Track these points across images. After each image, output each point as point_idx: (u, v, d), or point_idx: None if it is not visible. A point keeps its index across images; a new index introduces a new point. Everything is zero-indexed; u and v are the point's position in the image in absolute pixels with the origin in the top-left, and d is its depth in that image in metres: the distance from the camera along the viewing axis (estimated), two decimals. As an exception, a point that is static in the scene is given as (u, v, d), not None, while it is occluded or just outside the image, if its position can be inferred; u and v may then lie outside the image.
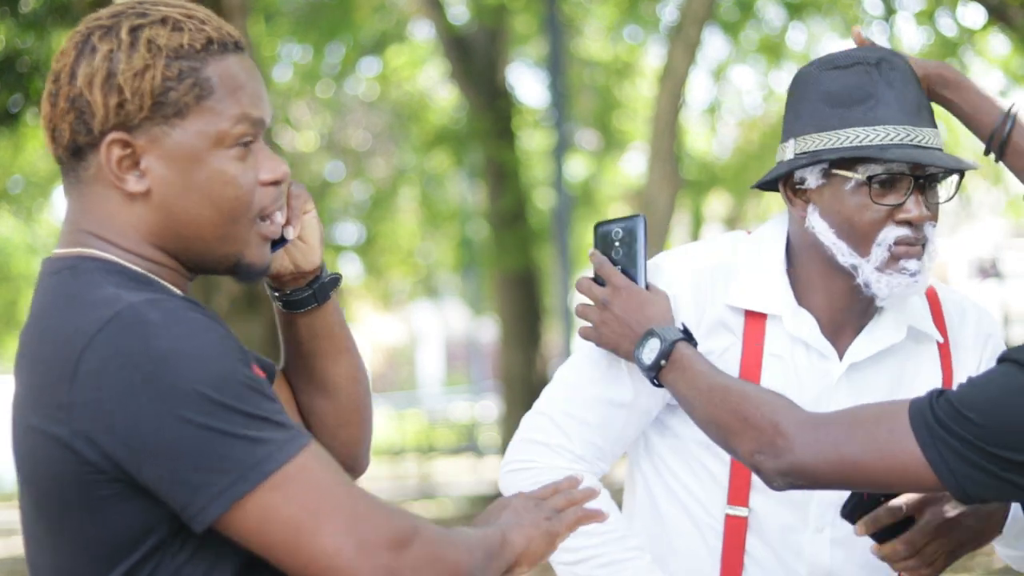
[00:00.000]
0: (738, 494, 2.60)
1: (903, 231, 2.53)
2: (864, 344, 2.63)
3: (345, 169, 20.28)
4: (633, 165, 20.32)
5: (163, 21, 1.93)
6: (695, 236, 17.82)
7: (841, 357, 2.63)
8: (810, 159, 2.54)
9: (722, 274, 2.62)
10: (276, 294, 2.15)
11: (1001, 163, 2.59)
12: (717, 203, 20.31)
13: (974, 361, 2.69)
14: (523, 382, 15.79)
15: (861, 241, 2.54)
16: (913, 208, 2.52)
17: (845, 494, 2.56)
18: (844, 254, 2.55)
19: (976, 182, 20.10)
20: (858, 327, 2.63)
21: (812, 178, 2.56)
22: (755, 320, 2.61)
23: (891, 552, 2.45)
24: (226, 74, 1.94)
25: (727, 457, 2.58)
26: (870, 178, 2.52)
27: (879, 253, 2.53)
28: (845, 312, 2.62)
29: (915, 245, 2.54)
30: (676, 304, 2.59)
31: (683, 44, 9.38)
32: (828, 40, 16.66)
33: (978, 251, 23.50)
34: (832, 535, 2.62)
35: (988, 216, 23.67)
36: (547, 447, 2.61)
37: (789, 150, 2.58)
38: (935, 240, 2.56)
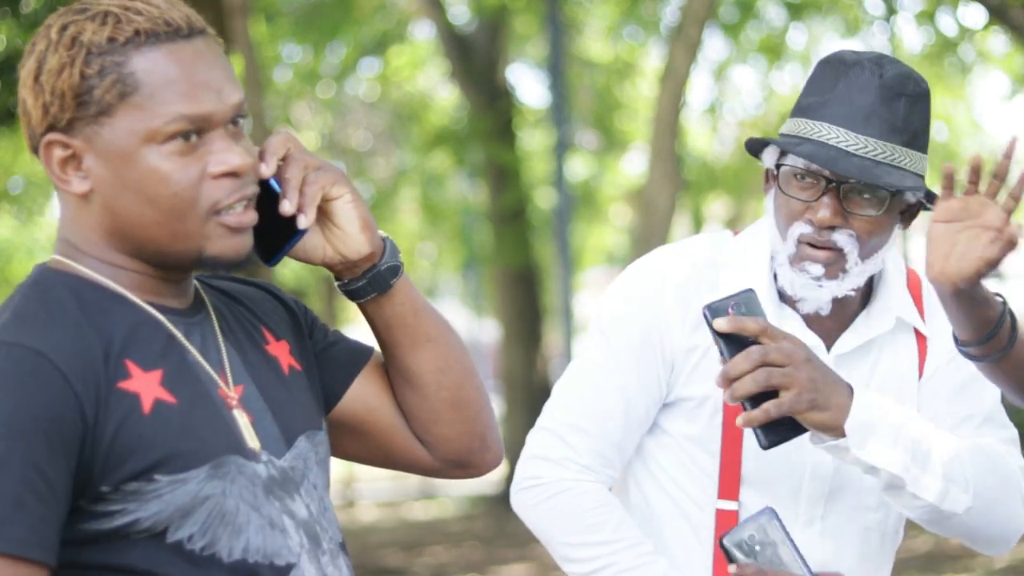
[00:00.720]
0: (728, 488, 2.61)
1: (807, 229, 2.54)
2: (852, 335, 2.64)
3: (346, 169, 20.28)
4: (634, 165, 20.32)
5: (94, 16, 1.85)
6: (696, 236, 17.80)
7: (829, 349, 2.63)
8: (763, 143, 2.62)
9: (711, 273, 2.64)
10: (337, 283, 2.08)
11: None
12: (717, 204, 20.30)
13: (945, 353, 2.68)
14: (524, 382, 15.78)
15: (782, 230, 2.58)
16: (821, 209, 2.53)
17: (836, 490, 2.55)
18: (776, 241, 2.60)
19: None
20: (848, 321, 2.64)
21: (769, 159, 2.61)
22: None
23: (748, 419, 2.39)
24: (155, 67, 1.84)
25: (717, 451, 2.60)
26: (788, 169, 2.56)
27: (789, 246, 2.57)
28: (834, 310, 2.62)
29: (819, 249, 2.54)
30: (665, 297, 2.61)
31: (684, 44, 9.37)
32: (829, 40, 16.66)
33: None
34: (822, 527, 2.62)
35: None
36: (552, 461, 2.62)
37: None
38: (855, 252, 2.54)
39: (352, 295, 2.06)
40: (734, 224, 17.92)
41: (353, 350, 2.13)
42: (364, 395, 2.11)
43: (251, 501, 1.89)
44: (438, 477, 2.18)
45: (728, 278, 2.62)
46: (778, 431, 2.39)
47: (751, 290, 2.42)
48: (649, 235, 9.35)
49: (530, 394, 15.38)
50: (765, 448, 2.39)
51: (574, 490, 2.60)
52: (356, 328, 17.72)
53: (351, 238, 2.01)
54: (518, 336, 16.03)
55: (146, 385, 1.85)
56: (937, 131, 18.79)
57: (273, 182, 1.96)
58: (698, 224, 18.82)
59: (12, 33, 10.87)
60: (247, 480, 1.89)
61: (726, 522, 2.58)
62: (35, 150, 1.89)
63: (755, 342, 2.37)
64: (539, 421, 2.67)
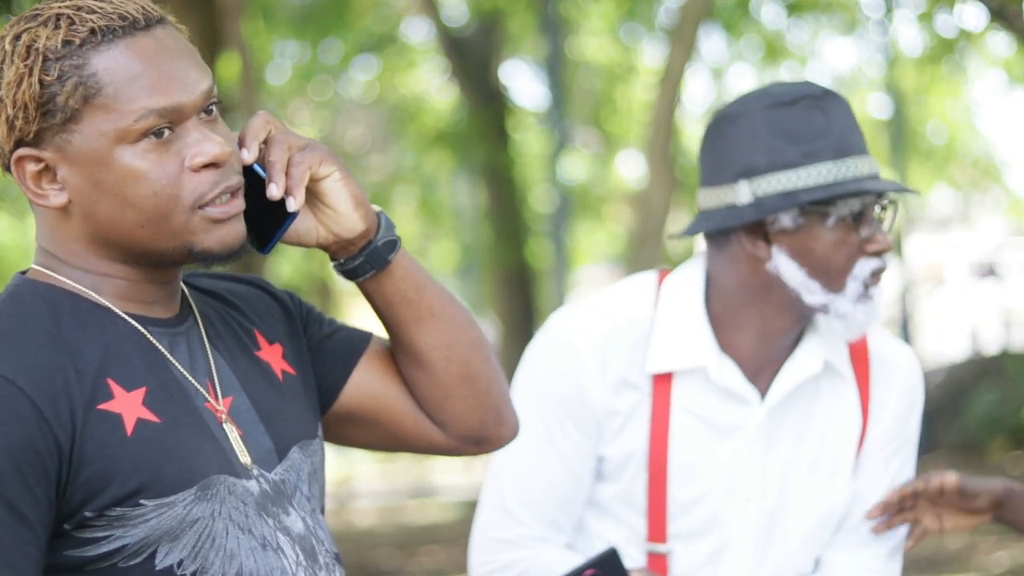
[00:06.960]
0: (656, 534, 2.58)
1: (877, 262, 2.50)
2: (781, 383, 2.57)
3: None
4: (630, 166, 20.33)
5: (46, 21, 1.78)
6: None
7: (763, 398, 2.58)
8: (785, 200, 2.45)
9: (634, 333, 2.56)
10: (333, 264, 1.99)
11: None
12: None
13: (891, 417, 2.64)
14: (520, 383, 15.77)
15: (836, 277, 2.48)
16: (882, 239, 2.49)
17: (765, 543, 2.53)
18: (815, 293, 2.49)
19: (976, 182, 20.07)
20: (778, 368, 2.58)
21: (788, 219, 2.48)
22: (662, 375, 2.56)
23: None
24: (116, 65, 1.77)
25: (643, 508, 2.57)
26: (852, 213, 2.47)
27: (855, 287, 2.49)
28: (773, 351, 2.56)
29: (878, 274, 2.51)
30: (580, 364, 2.55)
31: (680, 44, 9.37)
32: (827, 40, 16.66)
33: (977, 252, 23.50)
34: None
35: (987, 216, 23.67)
36: (508, 541, 2.60)
37: (743, 193, 2.48)
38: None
39: (350, 275, 1.98)
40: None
41: (350, 338, 2.06)
42: (367, 383, 2.04)
43: (241, 522, 1.83)
44: (455, 455, 2.10)
45: (664, 341, 2.55)
46: None
47: (613, 550, 2.40)
48: (645, 235, 9.37)
49: (527, 395, 15.36)
50: None
51: (537, 562, 2.60)
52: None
53: (344, 217, 1.93)
54: (515, 336, 16.02)
55: (129, 405, 1.78)
56: (936, 132, 18.78)
57: (257, 167, 1.88)
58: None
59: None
60: (237, 500, 1.83)
61: (658, 566, 2.58)
62: (6, 167, 1.83)
63: None
64: (485, 500, 2.64)
